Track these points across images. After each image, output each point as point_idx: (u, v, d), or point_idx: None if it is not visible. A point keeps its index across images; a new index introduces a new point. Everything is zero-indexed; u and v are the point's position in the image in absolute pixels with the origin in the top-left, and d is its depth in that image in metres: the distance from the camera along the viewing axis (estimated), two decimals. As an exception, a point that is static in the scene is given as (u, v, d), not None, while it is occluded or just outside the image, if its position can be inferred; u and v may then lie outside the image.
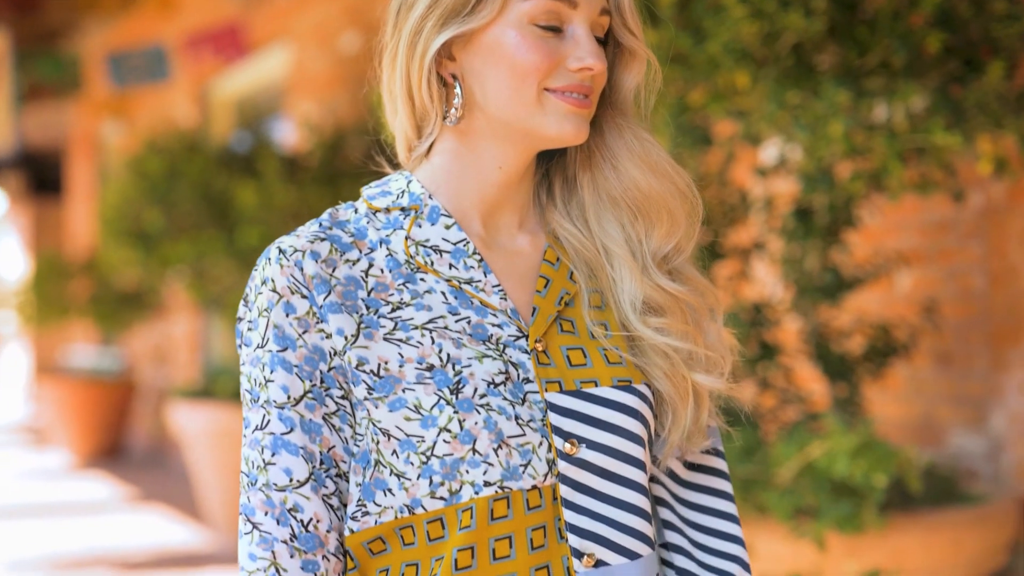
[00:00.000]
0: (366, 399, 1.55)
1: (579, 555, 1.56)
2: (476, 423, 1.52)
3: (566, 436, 1.57)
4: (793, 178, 4.27)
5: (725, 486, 1.72)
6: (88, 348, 16.04)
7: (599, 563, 1.57)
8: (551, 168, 1.77)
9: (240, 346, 1.62)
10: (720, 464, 1.73)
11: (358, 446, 1.57)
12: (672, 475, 1.70)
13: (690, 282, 1.70)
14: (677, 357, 1.64)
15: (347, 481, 1.58)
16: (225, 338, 11.26)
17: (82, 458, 13.63)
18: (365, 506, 1.56)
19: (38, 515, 10.32)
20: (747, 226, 4.42)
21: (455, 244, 1.64)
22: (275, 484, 1.55)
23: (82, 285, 13.22)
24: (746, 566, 1.69)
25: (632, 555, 1.59)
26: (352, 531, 1.57)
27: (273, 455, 1.55)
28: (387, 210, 1.66)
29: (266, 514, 1.55)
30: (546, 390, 1.58)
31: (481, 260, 1.64)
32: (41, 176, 18.51)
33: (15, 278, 15.29)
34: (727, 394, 1.69)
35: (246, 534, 1.55)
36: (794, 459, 3.64)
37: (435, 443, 1.52)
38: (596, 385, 1.60)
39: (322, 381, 1.55)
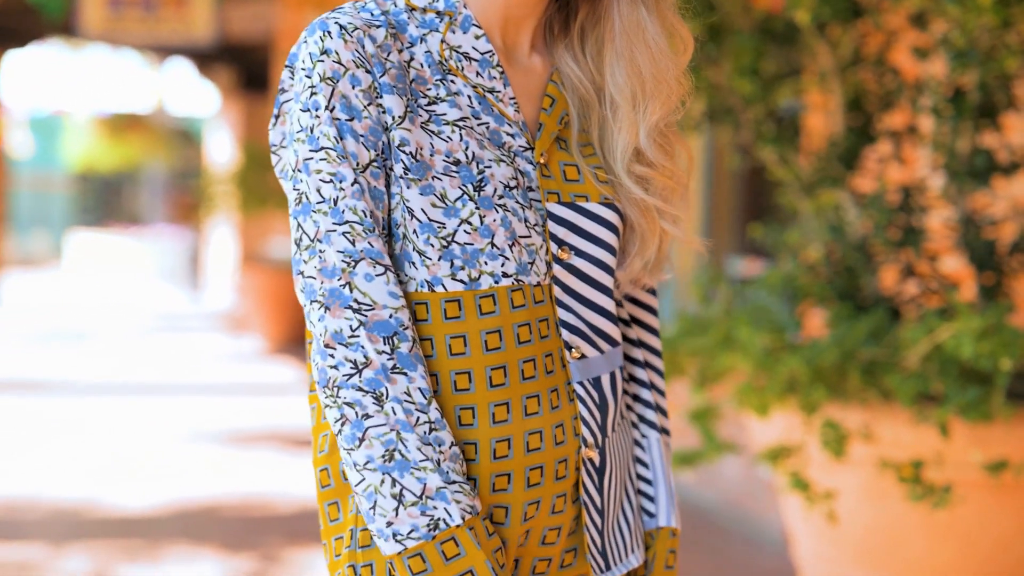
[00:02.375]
0: (401, 177, 1.66)
1: (569, 348, 1.74)
2: (495, 220, 1.68)
3: (560, 243, 1.74)
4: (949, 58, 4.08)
5: (655, 303, 1.94)
6: (287, 240, 16.42)
7: (582, 356, 1.75)
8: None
9: (278, 115, 1.72)
10: (655, 287, 1.94)
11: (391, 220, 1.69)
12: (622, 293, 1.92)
13: (675, 141, 1.84)
14: (652, 203, 1.81)
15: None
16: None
17: (274, 344, 14.03)
18: (399, 275, 1.68)
19: (224, 393, 10.68)
20: (901, 109, 4.25)
21: (483, 54, 1.74)
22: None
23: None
24: (660, 372, 1.94)
25: (601, 351, 1.79)
26: None
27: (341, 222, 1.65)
28: (424, 10, 1.74)
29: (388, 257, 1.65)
30: (547, 200, 1.74)
31: (503, 73, 1.75)
32: (250, 71, 18.90)
33: (224, 171, 15.68)
34: (683, 241, 1.86)
35: (378, 276, 1.63)
36: (922, 342, 3.50)
37: (456, 231, 1.66)
38: (587, 200, 1.77)
39: (381, 152, 1.66)
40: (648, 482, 1.90)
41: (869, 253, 4.04)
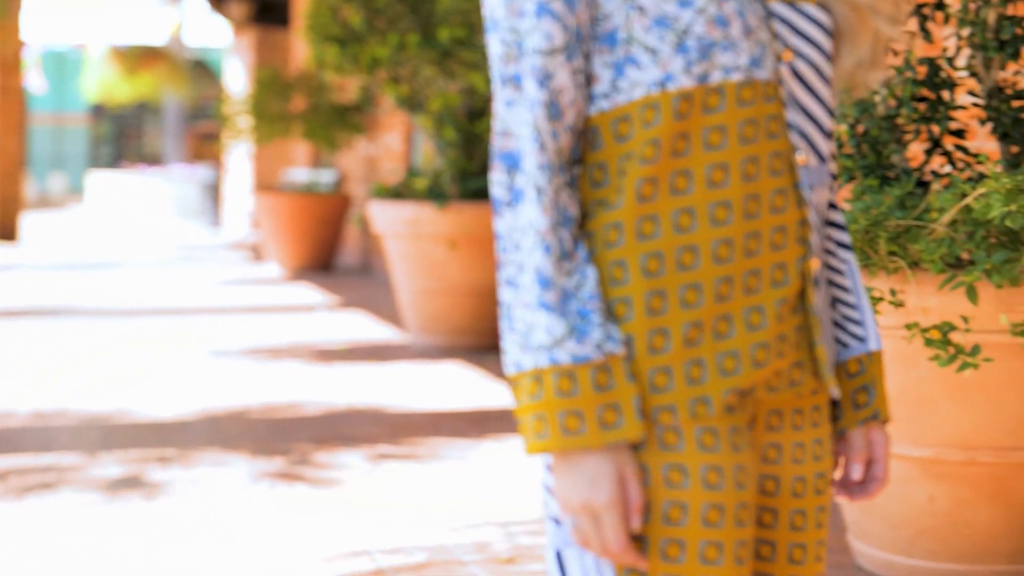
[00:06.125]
0: None
1: (796, 150, 1.69)
2: (730, 9, 1.63)
3: (783, 43, 1.69)
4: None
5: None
6: (304, 170, 16.42)
7: (807, 162, 1.71)
8: None
9: None
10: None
11: (602, 27, 1.64)
12: None
13: None
14: (862, 1, 1.76)
15: (590, 61, 1.66)
16: (426, 143, 11.38)
17: (292, 271, 14.08)
18: (616, 83, 1.65)
19: (245, 313, 10.74)
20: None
21: None
22: (537, 49, 1.62)
23: (299, 102, 13.49)
24: (845, 228, 1.85)
25: (817, 162, 1.75)
26: (603, 110, 1.66)
27: (538, 19, 1.63)
28: None
29: (532, 79, 1.62)
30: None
31: None
32: (264, 4, 18.85)
33: (238, 99, 15.65)
34: (898, 40, 1.81)
35: (514, 102, 1.63)
36: (950, 208, 3.50)
37: (691, 23, 1.62)
38: (805, 1, 1.72)
39: None
40: (852, 307, 1.81)
41: (895, 128, 4.03)
